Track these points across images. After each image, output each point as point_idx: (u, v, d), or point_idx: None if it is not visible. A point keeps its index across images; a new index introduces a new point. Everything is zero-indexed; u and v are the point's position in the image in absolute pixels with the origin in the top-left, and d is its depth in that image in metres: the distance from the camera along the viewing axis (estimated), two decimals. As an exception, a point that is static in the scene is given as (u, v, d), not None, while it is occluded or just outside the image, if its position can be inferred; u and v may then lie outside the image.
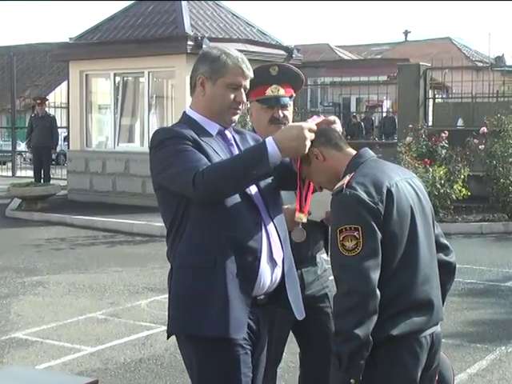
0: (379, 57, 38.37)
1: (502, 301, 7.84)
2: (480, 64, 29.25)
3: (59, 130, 18.31)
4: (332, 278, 2.86)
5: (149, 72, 15.14)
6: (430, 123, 17.16)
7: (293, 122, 3.57)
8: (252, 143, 3.19)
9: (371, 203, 2.72)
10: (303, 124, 2.93)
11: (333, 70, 24.72)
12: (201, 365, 3.00)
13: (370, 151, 2.98)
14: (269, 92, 3.70)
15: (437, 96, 20.46)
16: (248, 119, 3.69)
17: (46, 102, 18.81)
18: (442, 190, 12.19)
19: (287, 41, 17.61)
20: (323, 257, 3.84)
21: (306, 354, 3.89)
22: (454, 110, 18.27)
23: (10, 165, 22.71)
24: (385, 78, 23.20)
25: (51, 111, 19.62)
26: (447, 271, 3.02)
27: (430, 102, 17.79)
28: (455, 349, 6.18)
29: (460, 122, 17.68)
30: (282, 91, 3.71)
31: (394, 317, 2.76)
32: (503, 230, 12.30)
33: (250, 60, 3.14)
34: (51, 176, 17.93)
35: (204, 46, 13.85)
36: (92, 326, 6.91)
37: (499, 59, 31.97)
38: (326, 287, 3.83)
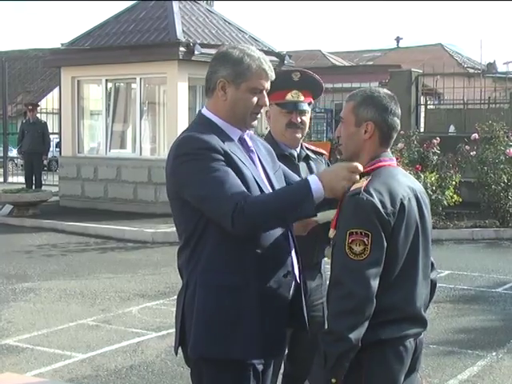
0: (371, 63, 38.37)
1: (492, 307, 7.85)
2: (472, 70, 29.26)
3: (51, 136, 18.30)
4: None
5: (141, 78, 15.13)
6: (422, 129, 17.19)
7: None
8: (264, 151, 3.10)
9: (384, 214, 2.74)
10: (347, 165, 2.82)
11: (325, 76, 24.62)
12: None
13: (390, 154, 2.97)
14: (289, 97, 3.77)
15: (428, 102, 20.47)
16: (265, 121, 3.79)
17: (38, 108, 18.79)
18: (433, 197, 12.21)
19: (279, 47, 17.67)
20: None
21: (291, 359, 3.88)
22: (446, 117, 18.29)
23: (1, 171, 22.65)
24: (376, 84, 23.21)
25: (43, 117, 19.61)
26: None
27: (422, 108, 17.82)
28: (446, 355, 6.19)
29: (452, 129, 17.70)
30: (301, 97, 3.78)
31: (385, 324, 2.79)
32: (494, 236, 12.34)
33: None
34: (43, 182, 17.96)
35: (196, 53, 13.87)
36: (83, 333, 6.88)
37: (491, 66, 31.98)
38: (324, 296, 3.80)
